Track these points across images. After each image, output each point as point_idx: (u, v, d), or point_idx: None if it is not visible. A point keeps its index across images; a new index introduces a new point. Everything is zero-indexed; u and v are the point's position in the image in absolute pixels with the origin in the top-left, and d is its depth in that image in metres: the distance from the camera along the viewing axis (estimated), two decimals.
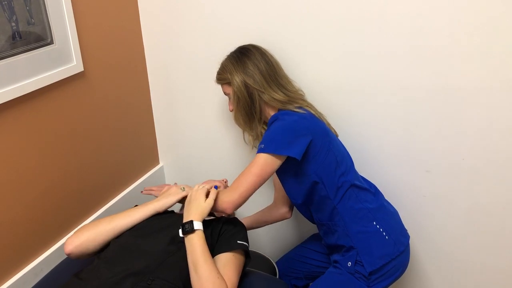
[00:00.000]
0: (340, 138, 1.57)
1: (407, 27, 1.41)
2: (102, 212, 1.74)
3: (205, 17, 1.68)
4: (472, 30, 1.35)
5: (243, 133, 1.58)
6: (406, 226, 1.63)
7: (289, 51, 1.59)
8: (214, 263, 1.22)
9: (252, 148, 1.59)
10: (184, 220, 1.28)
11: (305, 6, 1.51)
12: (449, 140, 1.52)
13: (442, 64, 1.42)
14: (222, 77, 1.49)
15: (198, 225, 1.24)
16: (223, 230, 1.37)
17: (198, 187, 1.40)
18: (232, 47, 1.51)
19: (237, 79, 1.44)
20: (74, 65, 1.47)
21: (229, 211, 1.36)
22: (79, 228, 1.33)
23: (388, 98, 1.54)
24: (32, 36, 1.31)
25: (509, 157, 1.46)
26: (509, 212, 1.54)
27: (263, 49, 1.49)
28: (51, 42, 1.38)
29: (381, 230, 1.44)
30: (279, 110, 1.45)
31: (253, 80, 1.43)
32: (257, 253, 1.87)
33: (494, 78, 1.38)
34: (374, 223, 1.45)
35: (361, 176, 1.56)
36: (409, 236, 1.54)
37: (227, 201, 1.35)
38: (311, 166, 1.40)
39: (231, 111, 1.53)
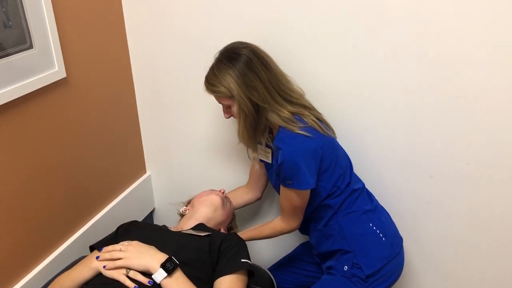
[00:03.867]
0: (340, 140, 1.51)
1: (412, 28, 1.36)
2: (89, 228, 1.63)
3: (193, 17, 1.59)
4: (479, 32, 1.31)
5: (247, 150, 1.48)
6: (406, 233, 1.61)
7: (289, 50, 1.50)
8: None
9: (255, 161, 1.53)
10: (150, 264, 1.13)
11: (307, 3, 1.43)
12: (454, 144, 1.47)
13: (447, 66, 1.37)
14: (219, 90, 1.33)
15: (175, 260, 1.15)
16: (223, 248, 1.28)
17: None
18: None
19: (241, 93, 1.30)
20: (56, 71, 1.35)
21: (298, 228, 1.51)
22: None
23: (391, 100, 1.48)
24: (10, 40, 1.19)
25: None
26: None
27: (256, 48, 1.36)
28: (31, 47, 1.26)
29: (377, 231, 1.42)
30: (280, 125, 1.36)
31: (257, 94, 1.31)
32: (253, 264, 1.79)
33: (500, 80, 1.34)
34: (371, 224, 1.43)
35: (355, 175, 1.52)
36: (402, 238, 1.51)
37: (295, 227, 1.48)
38: (321, 184, 1.38)
39: (227, 118, 1.43)
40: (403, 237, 1.52)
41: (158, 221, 2.10)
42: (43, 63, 1.31)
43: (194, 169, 1.91)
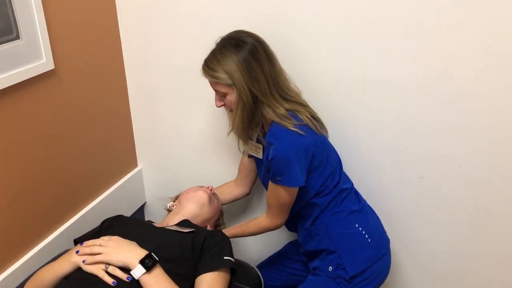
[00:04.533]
0: (331, 138, 1.50)
1: (406, 28, 1.34)
2: (77, 220, 1.62)
3: (188, 10, 1.57)
4: (472, 31, 1.28)
5: (238, 142, 1.47)
6: (395, 234, 1.60)
7: (286, 46, 1.46)
8: None
9: (245, 154, 1.52)
10: (129, 260, 1.11)
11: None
12: (445, 145, 1.45)
13: (439, 66, 1.35)
14: (218, 76, 1.27)
15: (155, 256, 1.13)
16: (207, 245, 1.26)
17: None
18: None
19: (243, 82, 1.26)
20: (43, 62, 1.34)
21: (283, 225, 1.49)
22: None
23: (383, 100, 1.46)
24: None
25: (509, 164, 1.40)
26: (508, 221, 1.48)
27: (261, 38, 1.32)
28: (17, 37, 1.25)
29: (363, 232, 1.41)
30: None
31: (258, 86, 1.27)
32: (241, 261, 1.78)
33: (493, 80, 1.32)
34: (357, 225, 1.41)
35: (344, 175, 1.51)
36: (389, 240, 1.50)
37: (280, 224, 1.46)
38: (310, 182, 1.36)
39: (218, 106, 1.38)
40: (392, 238, 1.51)
41: (149, 215, 2.09)
42: (31, 54, 1.30)
43: (186, 164, 1.90)
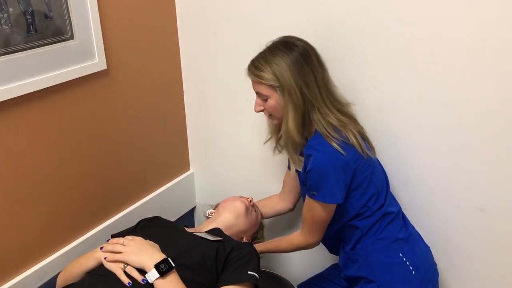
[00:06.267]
0: (382, 157, 1.40)
1: (469, 42, 1.22)
2: (123, 216, 1.66)
3: (245, 18, 1.56)
4: None
5: (289, 148, 1.34)
6: (446, 268, 1.46)
7: (338, 56, 1.41)
8: None
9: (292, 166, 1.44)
10: (146, 263, 1.11)
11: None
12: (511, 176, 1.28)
13: (506, 84, 1.20)
14: (263, 75, 1.24)
15: (171, 262, 1.12)
16: (232, 256, 1.23)
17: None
18: None
19: (294, 83, 1.22)
20: (96, 62, 1.40)
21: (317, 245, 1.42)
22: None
23: (439, 117, 1.34)
24: (50, 30, 1.25)
25: None
26: None
27: (312, 45, 1.29)
28: (71, 38, 1.32)
29: (407, 263, 1.29)
30: (316, 130, 1.28)
31: (308, 90, 1.23)
32: (281, 277, 1.73)
33: None
34: (401, 254, 1.30)
35: (391, 197, 1.39)
36: (438, 273, 1.37)
37: (312, 243, 1.39)
38: (350, 201, 1.28)
39: (258, 111, 1.33)
40: (441, 271, 1.36)
41: (198, 219, 2.10)
42: (83, 54, 1.36)
43: (237, 173, 1.88)
